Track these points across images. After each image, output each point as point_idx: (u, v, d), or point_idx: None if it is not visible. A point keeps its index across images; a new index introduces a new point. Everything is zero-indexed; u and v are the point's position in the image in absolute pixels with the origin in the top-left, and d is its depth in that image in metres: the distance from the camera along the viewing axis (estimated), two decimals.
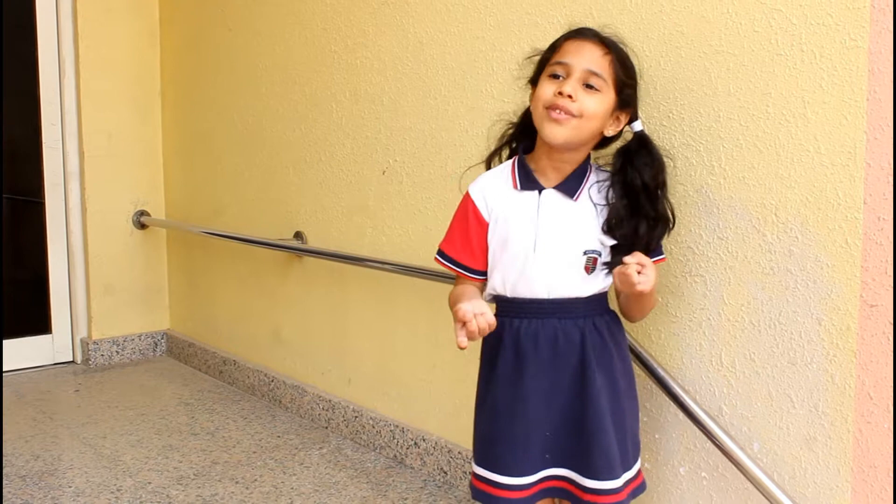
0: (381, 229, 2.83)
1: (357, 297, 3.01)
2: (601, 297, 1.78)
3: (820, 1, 1.66)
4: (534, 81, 1.78)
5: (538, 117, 1.71)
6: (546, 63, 1.74)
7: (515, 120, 1.89)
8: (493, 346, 1.79)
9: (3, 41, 3.93)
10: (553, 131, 1.68)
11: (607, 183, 1.76)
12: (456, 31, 2.48)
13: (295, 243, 3.26)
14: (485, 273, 1.82)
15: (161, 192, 4.23)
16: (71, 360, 4.16)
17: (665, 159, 1.77)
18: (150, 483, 2.67)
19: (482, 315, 1.60)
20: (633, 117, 1.77)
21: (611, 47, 1.72)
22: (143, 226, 4.18)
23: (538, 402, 1.72)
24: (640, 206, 1.73)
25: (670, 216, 1.77)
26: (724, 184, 1.84)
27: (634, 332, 2.02)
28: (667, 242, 1.94)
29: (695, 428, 1.88)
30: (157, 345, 4.27)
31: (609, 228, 1.72)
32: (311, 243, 3.20)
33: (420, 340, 2.74)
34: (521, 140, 1.85)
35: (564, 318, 1.73)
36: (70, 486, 2.65)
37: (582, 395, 1.72)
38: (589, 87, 1.67)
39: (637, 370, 1.97)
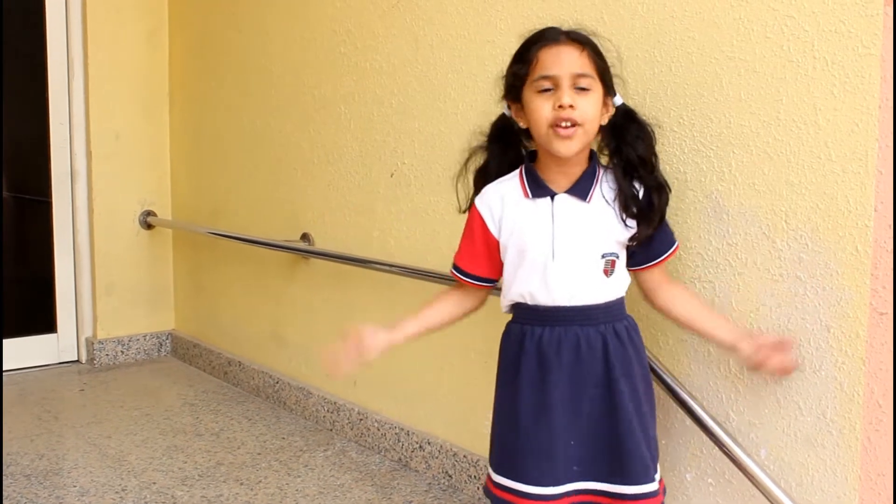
0: (388, 232, 2.83)
1: (363, 299, 3.01)
2: (620, 303, 1.79)
3: (833, 8, 1.66)
4: (514, 97, 1.77)
5: (544, 137, 1.70)
6: (526, 78, 1.72)
7: (487, 132, 1.88)
8: (514, 355, 1.78)
9: (2, 41, 3.93)
10: (565, 147, 1.68)
11: (611, 170, 1.78)
12: (466, 34, 2.48)
13: (302, 245, 3.26)
14: (492, 281, 1.85)
15: (168, 193, 4.24)
16: (76, 359, 4.17)
17: (654, 127, 1.80)
18: (154, 483, 2.67)
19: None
20: (614, 95, 1.78)
21: (583, 42, 1.72)
22: (149, 226, 4.18)
23: (563, 410, 1.72)
24: (642, 178, 1.76)
25: (667, 184, 1.79)
26: (734, 190, 1.84)
27: (642, 337, 2.02)
28: None
29: (702, 434, 1.88)
30: (161, 345, 4.28)
31: (627, 210, 1.73)
32: (318, 245, 3.20)
33: (426, 343, 2.72)
34: (505, 152, 1.85)
35: (586, 324, 1.73)
36: (75, 486, 2.65)
37: (609, 402, 1.72)
38: (580, 89, 1.68)
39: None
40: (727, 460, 1.83)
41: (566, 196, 1.74)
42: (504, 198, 1.79)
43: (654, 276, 1.84)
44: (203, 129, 3.96)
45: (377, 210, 2.88)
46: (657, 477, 1.76)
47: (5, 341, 3.92)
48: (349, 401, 3.09)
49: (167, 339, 4.29)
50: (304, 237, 3.26)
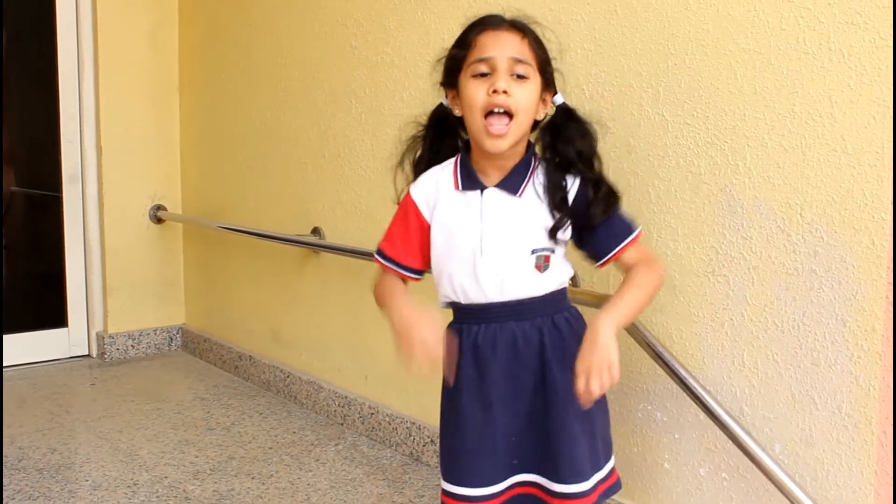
0: None
1: None
2: (560, 294, 1.72)
3: None
4: (449, 83, 1.72)
5: (476, 129, 1.62)
6: (462, 62, 1.66)
7: (424, 122, 1.81)
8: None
9: (2, 40, 3.93)
10: (495, 145, 1.61)
11: (544, 164, 1.71)
12: None
13: (312, 239, 3.25)
14: (422, 272, 1.77)
15: (178, 187, 4.24)
16: (87, 353, 4.17)
17: (595, 127, 1.71)
18: (166, 477, 2.67)
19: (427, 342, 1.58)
20: (554, 92, 1.72)
21: (525, 30, 1.67)
22: (159, 220, 4.18)
23: (502, 407, 1.68)
24: (580, 172, 1.68)
25: (610, 181, 1.70)
26: (748, 183, 1.83)
27: (655, 332, 2.01)
28: (689, 241, 1.94)
29: (716, 428, 1.87)
30: (172, 339, 4.28)
31: (557, 205, 1.66)
32: (329, 239, 3.20)
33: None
34: (438, 143, 1.78)
35: (522, 319, 1.67)
36: (87, 480, 2.65)
37: (544, 397, 1.67)
38: (518, 77, 1.61)
39: (658, 370, 1.96)
40: (741, 455, 1.82)
41: (496, 190, 1.67)
42: (438, 187, 1.72)
43: (621, 266, 1.72)
44: (213, 122, 3.96)
45: (388, 204, 2.86)
46: (595, 476, 1.69)
47: (16, 336, 3.93)
48: (360, 395, 3.09)
49: (178, 333, 4.29)
50: (315, 231, 3.26)
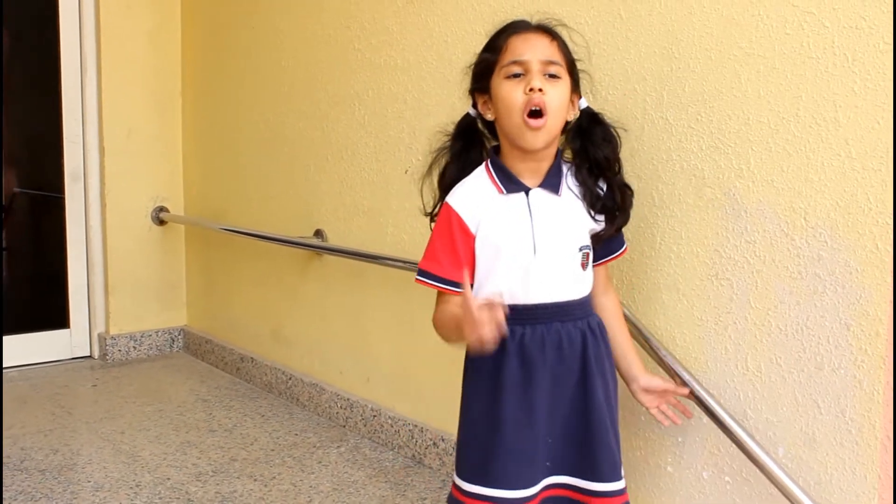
0: (402, 228, 2.82)
1: (377, 295, 3.00)
2: (589, 298, 1.78)
3: (853, 4, 1.65)
4: (481, 89, 1.75)
5: (515, 126, 1.66)
6: (494, 65, 1.70)
7: (452, 131, 1.85)
8: (493, 357, 1.71)
9: (2, 42, 3.93)
10: (535, 139, 1.66)
11: (574, 168, 1.77)
12: (482, 30, 2.46)
13: (315, 241, 3.25)
14: (472, 286, 1.75)
15: (180, 188, 4.24)
16: (88, 354, 4.17)
17: (619, 131, 1.80)
18: (168, 479, 2.67)
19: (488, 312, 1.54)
20: (580, 95, 1.78)
21: (552, 33, 1.72)
22: (161, 222, 4.18)
23: (546, 409, 1.70)
24: (607, 179, 1.77)
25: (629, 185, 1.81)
26: (752, 187, 1.83)
27: (659, 335, 2.01)
28: (693, 245, 1.94)
29: (719, 432, 1.87)
30: (174, 341, 4.28)
31: (596, 209, 1.75)
32: (332, 241, 3.20)
33: (438, 341, 2.72)
34: (465, 154, 1.81)
35: (566, 320, 1.71)
36: (89, 481, 2.65)
37: (584, 399, 1.71)
38: (550, 76, 1.67)
39: (661, 373, 1.96)
40: (745, 458, 1.82)
41: (540, 190, 1.72)
42: (478, 195, 1.74)
43: (598, 274, 1.84)
44: (215, 124, 3.96)
45: (391, 206, 2.87)
46: (623, 474, 1.77)
47: (18, 337, 3.94)
48: (362, 397, 3.09)
49: (179, 334, 4.30)
50: (318, 233, 3.26)
